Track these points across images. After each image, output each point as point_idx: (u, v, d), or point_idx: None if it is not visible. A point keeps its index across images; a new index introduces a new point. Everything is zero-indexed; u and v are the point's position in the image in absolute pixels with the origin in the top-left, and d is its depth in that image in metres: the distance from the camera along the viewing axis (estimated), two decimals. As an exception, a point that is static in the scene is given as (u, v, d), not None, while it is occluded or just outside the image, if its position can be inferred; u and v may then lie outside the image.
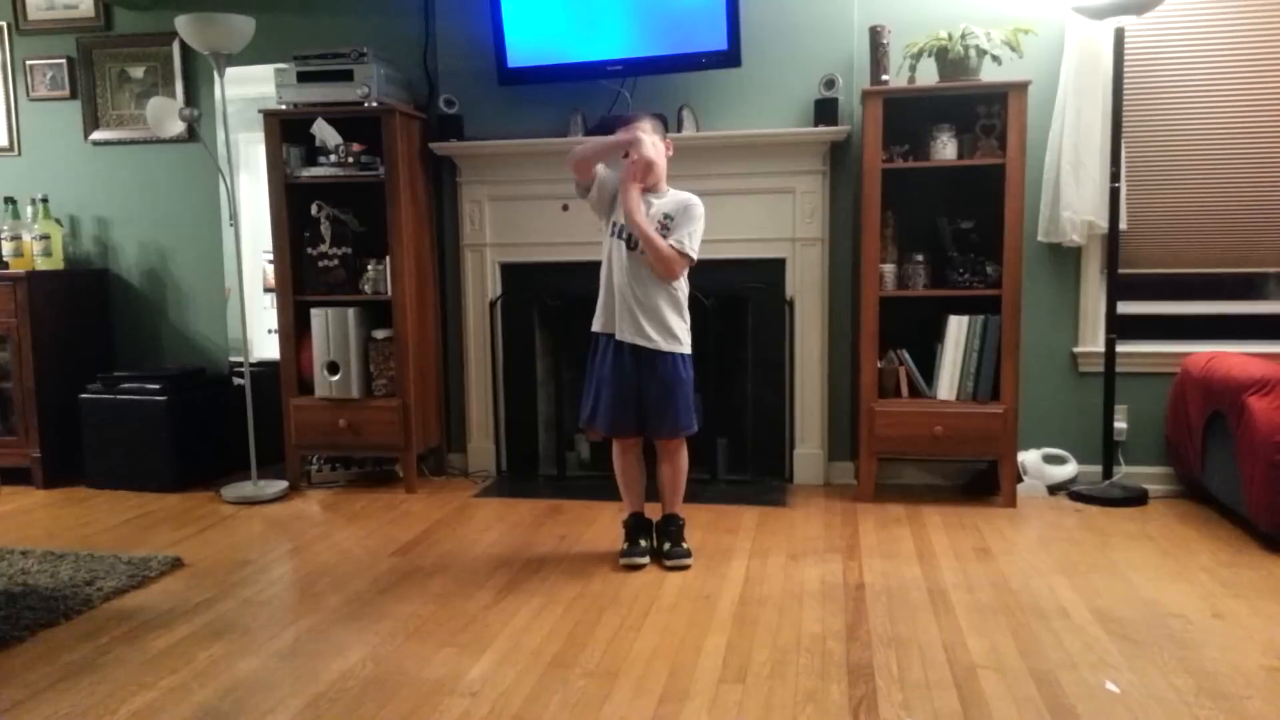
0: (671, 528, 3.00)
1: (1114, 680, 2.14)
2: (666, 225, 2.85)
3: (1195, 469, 3.42)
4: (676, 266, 2.84)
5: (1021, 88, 3.36)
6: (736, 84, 3.72)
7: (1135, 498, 3.53)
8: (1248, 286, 3.72)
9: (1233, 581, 2.74)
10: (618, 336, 2.89)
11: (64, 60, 4.38)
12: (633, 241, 2.85)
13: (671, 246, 2.82)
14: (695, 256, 2.87)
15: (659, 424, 2.93)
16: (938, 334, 3.60)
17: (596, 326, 2.97)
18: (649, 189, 2.89)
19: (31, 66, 4.41)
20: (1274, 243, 3.58)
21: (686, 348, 2.94)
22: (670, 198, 2.91)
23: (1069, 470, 3.69)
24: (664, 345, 2.88)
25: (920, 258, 3.59)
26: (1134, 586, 2.71)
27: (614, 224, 2.91)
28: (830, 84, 3.59)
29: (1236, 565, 2.87)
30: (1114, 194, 3.47)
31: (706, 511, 3.45)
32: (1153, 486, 3.64)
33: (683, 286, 2.93)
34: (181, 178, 4.35)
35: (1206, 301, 3.72)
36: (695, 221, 2.86)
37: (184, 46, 4.15)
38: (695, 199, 2.90)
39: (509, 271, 3.99)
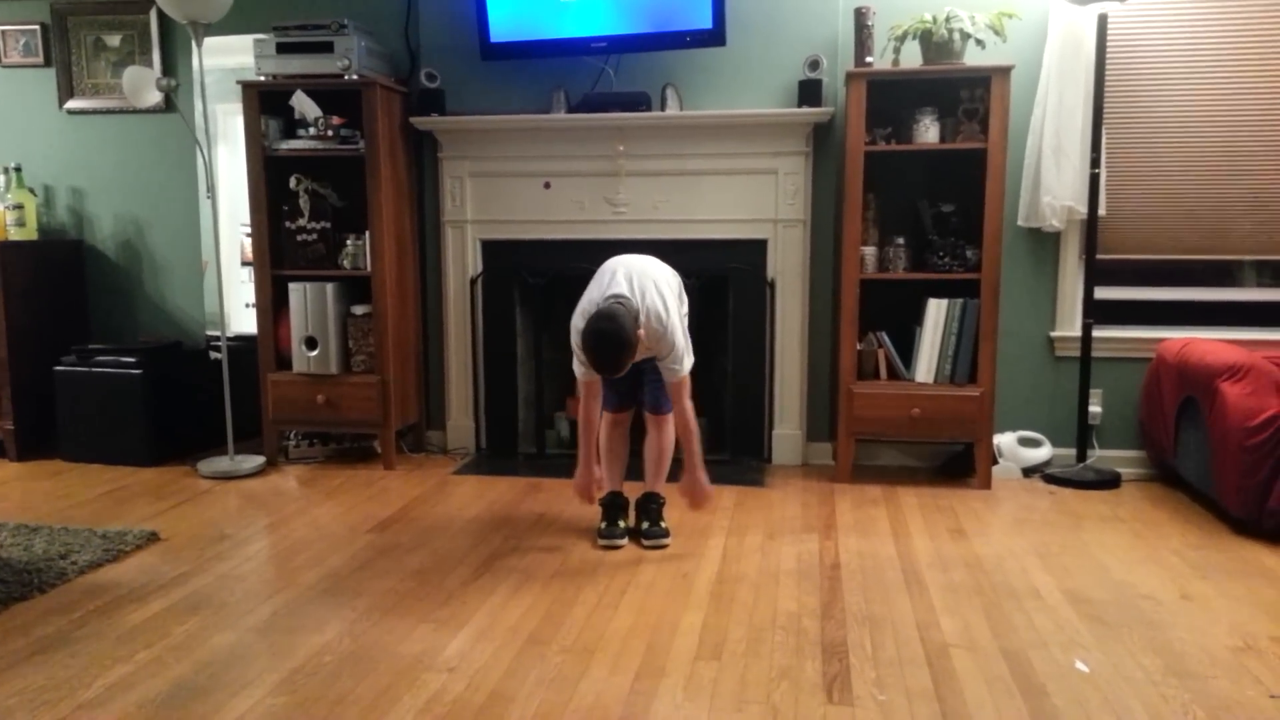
0: (652, 505, 3.02)
1: (1084, 660, 2.18)
2: (654, 354, 2.79)
3: (1168, 453, 3.46)
4: (688, 380, 2.81)
5: (1004, 72, 3.37)
6: (721, 63, 3.70)
7: (1108, 481, 3.58)
8: (1223, 273, 3.76)
9: (1201, 564, 2.78)
10: None
11: (37, 27, 4.30)
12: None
13: (672, 383, 2.78)
14: (690, 362, 2.82)
15: (654, 402, 2.96)
16: (917, 317, 3.62)
17: None
18: None
19: (4, 33, 4.33)
20: (1249, 230, 3.61)
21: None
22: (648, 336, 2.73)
23: (1044, 453, 3.73)
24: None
25: (901, 241, 3.60)
26: (1105, 568, 2.75)
27: None
28: (815, 65, 3.58)
29: (1206, 548, 2.92)
30: (1094, 180, 3.49)
31: (685, 491, 3.46)
32: (1126, 470, 3.69)
33: (673, 292, 2.85)
34: (158, 149, 4.30)
35: (1182, 288, 3.75)
36: (676, 344, 2.75)
37: (161, 15, 4.09)
38: (664, 319, 2.71)
39: (490, 248, 3.97)
